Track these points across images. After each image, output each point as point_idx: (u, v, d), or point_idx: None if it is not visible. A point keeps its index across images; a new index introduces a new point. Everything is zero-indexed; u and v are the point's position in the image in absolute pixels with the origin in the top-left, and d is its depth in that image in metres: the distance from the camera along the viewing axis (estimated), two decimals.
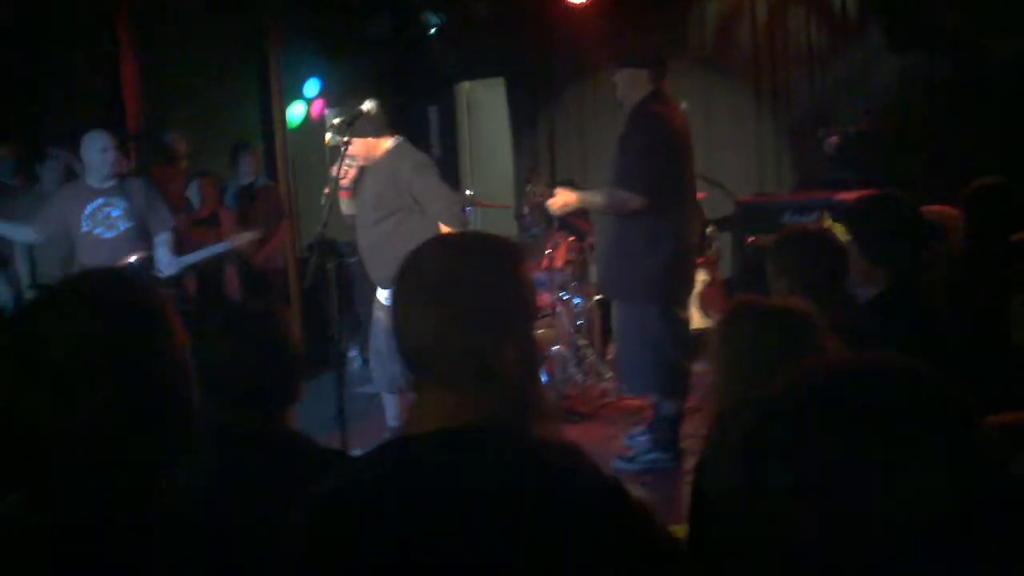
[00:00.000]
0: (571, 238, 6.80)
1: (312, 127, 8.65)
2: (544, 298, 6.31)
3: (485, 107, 10.20)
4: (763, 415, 1.00)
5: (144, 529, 1.40)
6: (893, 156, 7.20)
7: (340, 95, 8.56)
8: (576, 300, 6.75)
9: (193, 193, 7.35)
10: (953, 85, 7.40)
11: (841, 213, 3.33)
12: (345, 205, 5.40)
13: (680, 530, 1.93)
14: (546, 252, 6.65)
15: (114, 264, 5.49)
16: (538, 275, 6.32)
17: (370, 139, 5.13)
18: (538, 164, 9.11)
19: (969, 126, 7.15)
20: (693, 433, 4.99)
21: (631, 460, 5.07)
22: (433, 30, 9.25)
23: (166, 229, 5.79)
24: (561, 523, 1.38)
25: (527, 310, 1.58)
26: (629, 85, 5.02)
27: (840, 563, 0.90)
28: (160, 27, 7.71)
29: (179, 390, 1.43)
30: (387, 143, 5.19)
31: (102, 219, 5.57)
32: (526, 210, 7.25)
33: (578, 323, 6.74)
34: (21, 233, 5.74)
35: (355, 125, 5.10)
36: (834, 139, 7.35)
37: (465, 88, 10.16)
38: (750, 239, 6.90)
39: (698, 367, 5.06)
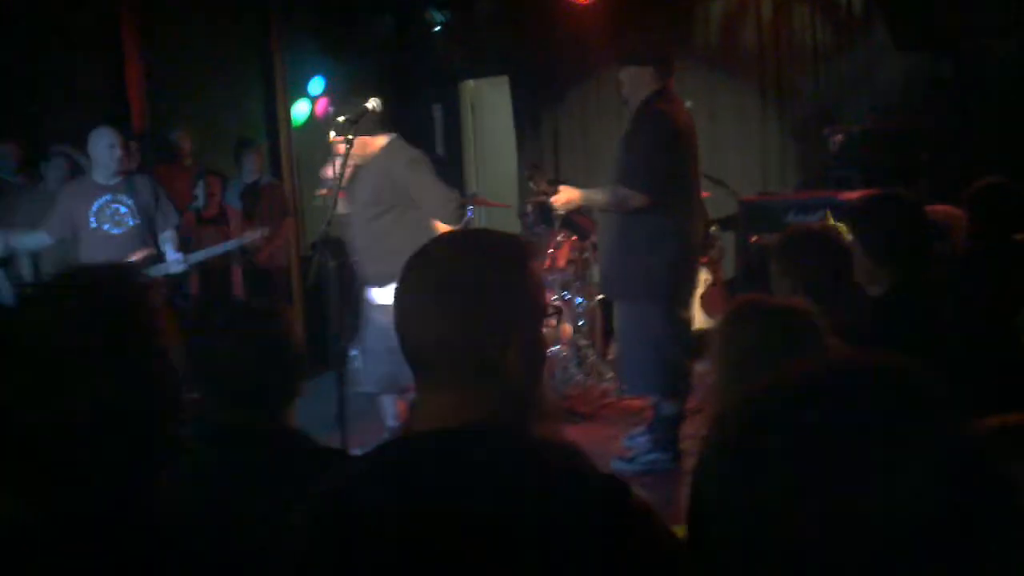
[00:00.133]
0: (574, 237, 6.79)
1: (316, 125, 8.65)
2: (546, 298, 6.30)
3: (489, 106, 10.19)
4: (756, 413, 0.99)
5: (143, 527, 1.40)
6: (897, 155, 7.19)
7: (344, 93, 8.56)
8: (578, 300, 6.74)
9: (199, 191, 7.35)
10: (957, 84, 7.39)
11: (845, 212, 3.32)
12: (340, 205, 5.39)
13: (680, 530, 1.92)
14: (548, 251, 6.65)
15: (121, 260, 5.51)
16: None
17: (364, 137, 5.13)
18: (541, 162, 9.11)
19: (972, 125, 7.14)
20: (694, 434, 4.98)
21: (631, 461, 5.06)
22: (437, 28, 9.25)
23: (171, 226, 5.81)
24: (564, 523, 1.37)
25: (535, 309, 1.57)
26: (634, 83, 5.01)
27: (836, 563, 0.89)
28: (164, 25, 7.72)
29: (168, 387, 1.43)
30: (381, 141, 5.17)
31: (110, 215, 5.57)
32: (529, 208, 7.24)
33: (579, 323, 6.73)
34: (36, 240, 5.70)
35: (359, 123, 5.09)
36: (838, 138, 7.34)
37: (469, 86, 10.16)
38: (753, 238, 6.89)
39: (699, 367, 5.05)
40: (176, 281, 5.93)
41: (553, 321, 6.38)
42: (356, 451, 3.28)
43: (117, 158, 5.61)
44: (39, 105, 7.00)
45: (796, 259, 3.11)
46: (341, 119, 5.18)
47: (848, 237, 3.25)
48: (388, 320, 5.21)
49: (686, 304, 5.23)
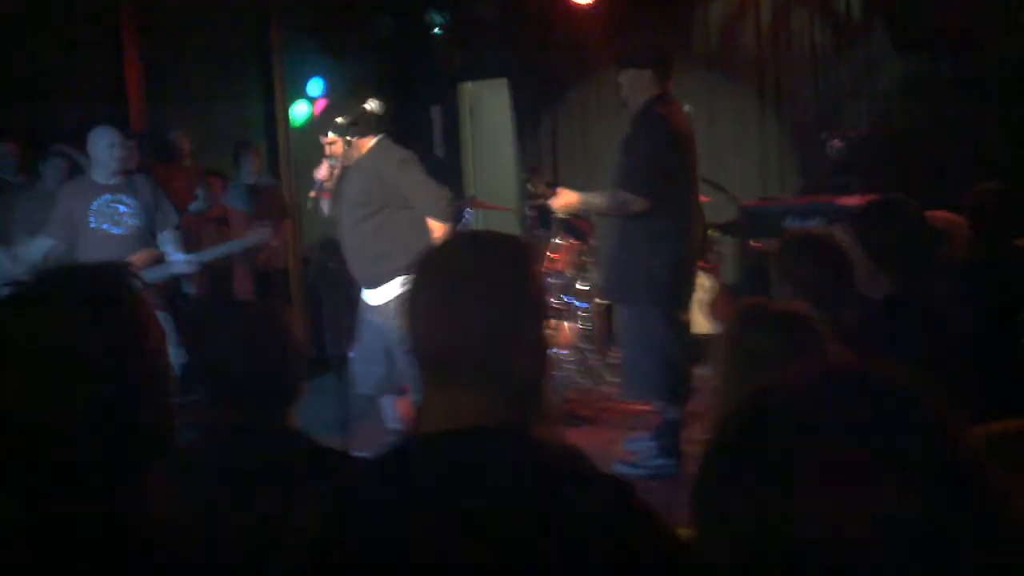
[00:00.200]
0: (573, 240, 6.79)
1: (315, 126, 8.64)
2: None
3: (488, 108, 10.19)
4: (755, 417, 1.00)
5: (137, 527, 1.39)
6: (897, 160, 7.20)
7: (343, 95, 8.56)
8: (579, 303, 6.73)
9: (200, 191, 7.36)
10: (957, 88, 7.39)
11: (846, 217, 3.33)
12: (325, 206, 5.39)
13: (684, 533, 1.92)
14: (548, 254, 6.64)
15: (122, 260, 5.49)
16: None
17: (352, 139, 5.14)
18: (540, 165, 9.10)
19: (973, 129, 7.15)
20: (697, 438, 4.97)
21: (634, 465, 5.05)
22: (436, 30, 9.25)
23: (170, 226, 5.79)
24: (572, 524, 1.37)
25: (540, 310, 1.58)
26: (633, 86, 5.01)
27: (833, 566, 0.90)
28: (163, 25, 7.71)
29: (160, 387, 1.43)
30: (369, 142, 5.19)
31: (110, 215, 5.54)
32: (529, 211, 7.23)
33: (581, 326, 6.73)
34: (41, 247, 5.62)
35: (358, 124, 5.10)
36: (838, 143, 7.35)
37: (468, 88, 10.15)
38: (751, 243, 6.89)
39: (702, 372, 5.05)
40: (177, 282, 5.92)
41: (554, 323, 6.38)
42: (358, 452, 3.27)
43: (117, 157, 5.59)
44: (38, 104, 6.99)
45: (796, 264, 3.11)
46: (340, 120, 5.19)
47: (848, 242, 3.25)
48: (380, 320, 5.22)
49: (685, 307, 5.23)
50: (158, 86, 7.66)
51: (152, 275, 5.62)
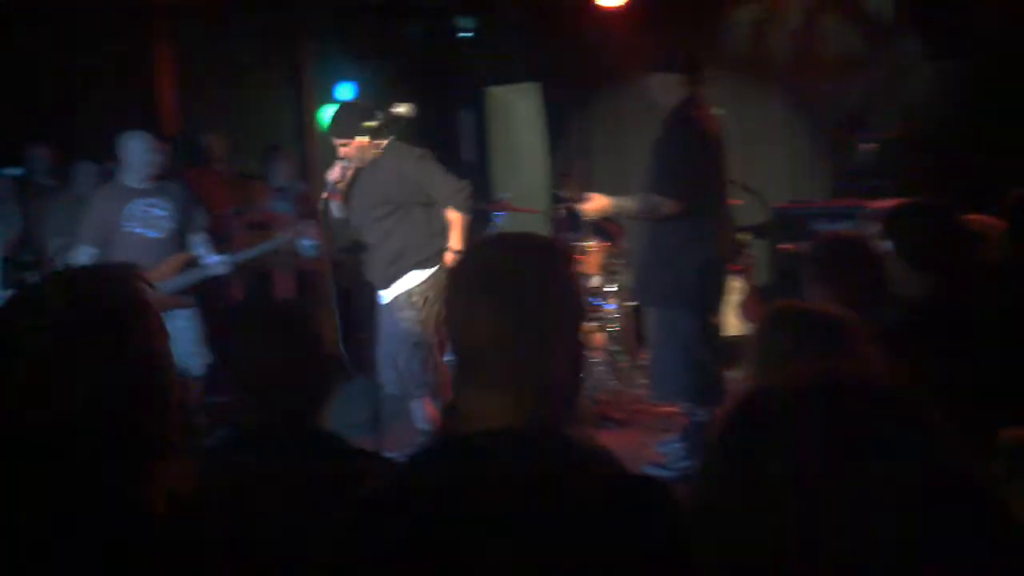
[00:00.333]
0: (604, 243, 6.78)
1: (330, 129, 8.66)
2: None
3: (517, 112, 10.19)
4: (754, 416, 1.01)
5: (140, 524, 1.40)
6: (928, 163, 7.14)
7: (373, 99, 8.58)
8: (609, 306, 6.72)
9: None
10: (988, 91, 7.32)
11: (880, 219, 3.30)
12: (336, 208, 5.42)
13: None
14: (579, 257, 6.64)
15: (157, 263, 5.53)
16: None
17: (365, 140, 5.17)
18: (571, 169, 9.09)
19: (1005, 133, 7.08)
20: None
21: (665, 467, 5.03)
22: (465, 35, 9.26)
23: (200, 229, 5.83)
24: (612, 525, 1.37)
25: (577, 312, 1.58)
26: (664, 90, 5.00)
27: (827, 565, 0.91)
28: (195, 30, 7.76)
29: (160, 387, 1.43)
30: (383, 143, 5.22)
31: (145, 218, 5.57)
32: (559, 214, 7.22)
33: (611, 329, 6.72)
34: (83, 256, 5.62)
35: (389, 128, 5.15)
36: (869, 146, 7.30)
37: (497, 93, 10.15)
38: (782, 246, 6.86)
39: (733, 374, 5.02)
40: (212, 284, 5.93)
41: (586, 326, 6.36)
42: (389, 453, 3.28)
43: (151, 162, 5.62)
44: (71, 109, 7.05)
45: (830, 266, 3.09)
46: (372, 124, 5.21)
47: (882, 244, 3.23)
48: (389, 319, 5.22)
49: (715, 310, 5.21)
50: (189, 90, 7.71)
51: (186, 278, 5.65)
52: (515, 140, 10.22)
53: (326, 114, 8.79)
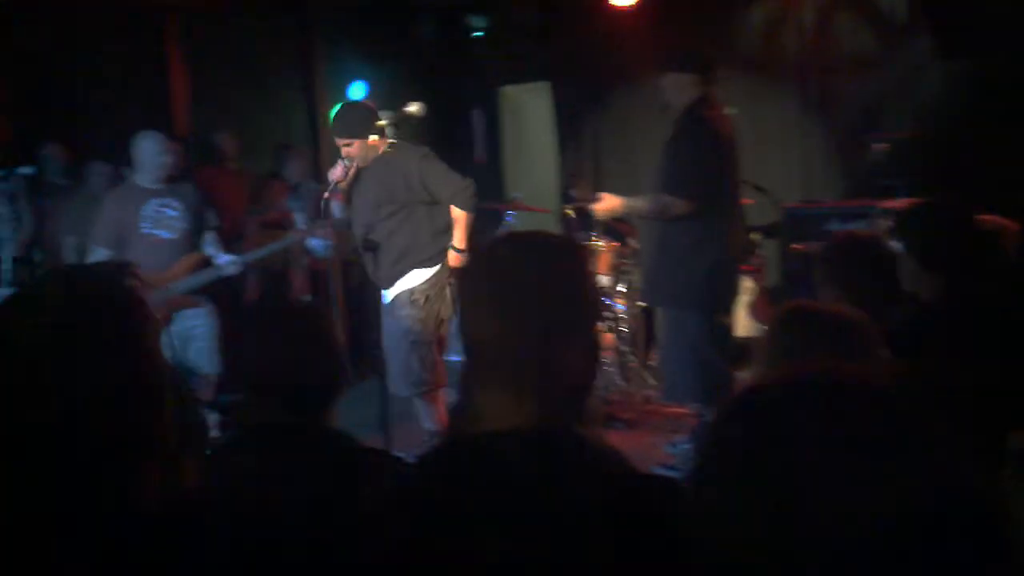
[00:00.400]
0: (614, 243, 6.77)
1: (333, 130, 8.67)
2: None
3: (529, 112, 10.18)
4: (748, 415, 1.01)
5: (136, 524, 1.40)
6: (941, 164, 7.11)
7: (385, 98, 8.59)
8: (620, 306, 6.71)
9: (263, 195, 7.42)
10: (1002, 91, 7.29)
11: (893, 219, 3.30)
12: (337, 208, 5.42)
13: None
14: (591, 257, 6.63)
15: (171, 264, 5.54)
16: None
17: (368, 140, 5.16)
18: (582, 168, 9.08)
19: (1018, 132, 7.04)
20: None
21: (674, 468, 5.03)
22: (477, 34, 9.26)
23: (211, 228, 5.84)
24: (628, 525, 1.36)
25: (591, 311, 1.57)
26: (676, 89, 4.99)
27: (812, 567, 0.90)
28: (207, 29, 7.77)
29: (151, 386, 1.43)
30: (385, 143, 5.23)
31: (158, 219, 5.58)
32: (570, 214, 7.21)
33: (621, 329, 6.71)
34: (99, 256, 5.62)
35: (399, 127, 5.15)
36: (882, 146, 7.27)
37: (509, 92, 10.15)
38: (794, 246, 6.84)
39: (743, 374, 5.01)
40: (228, 283, 5.93)
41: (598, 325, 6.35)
42: (398, 453, 3.27)
43: (164, 164, 5.63)
44: (83, 108, 7.06)
45: (842, 266, 3.08)
46: (375, 124, 5.22)
47: (894, 244, 3.22)
48: (389, 319, 5.23)
49: (726, 310, 5.20)
50: (201, 90, 7.72)
51: (198, 278, 5.66)
52: (527, 140, 10.22)
53: None
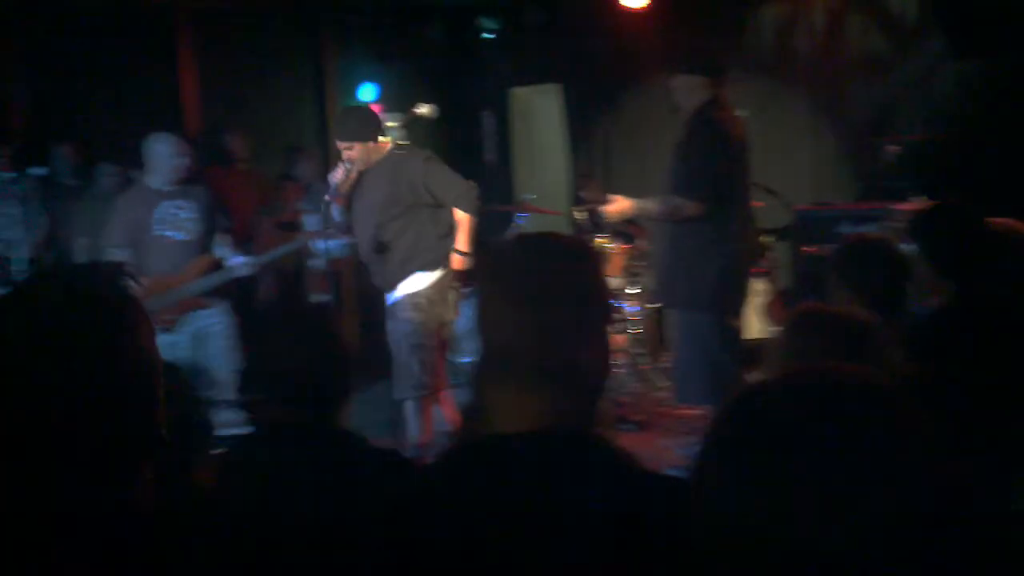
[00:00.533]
0: (625, 245, 6.77)
1: (335, 132, 8.70)
2: None
3: (539, 113, 10.18)
4: (747, 412, 1.02)
5: (129, 524, 1.40)
6: (953, 166, 7.09)
7: (395, 100, 8.60)
8: (631, 308, 6.71)
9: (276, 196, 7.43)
10: (1015, 92, 7.26)
11: (902, 223, 3.29)
12: (337, 212, 5.41)
13: None
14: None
15: (184, 266, 5.55)
16: None
17: (370, 144, 5.15)
18: (591, 170, 9.07)
19: None
20: None
21: (686, 470, 5.01)
22: (488, 36, 9.26)
23: (222, 230, 5.84)
24: (652, 525, 1.36)
25: (605, 312, 1.57)
26: (687, 91, 4.98)
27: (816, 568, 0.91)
28: (218, 30, 7.79)
29: (145, 385, 1.43)
30: (386, 146, 5.23)
31: (173, 221, 5.58)
32: (580, 215, 7.22)
33: (633, 331, 6.71)
34: (114, 257, 5.58)
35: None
36: (894, 148, 7.25)
37: (519, 94, 10.15)
38: (805, 249, 6.83)
39: (754, 377, 5.00)
40: (239, 285, 5.93)
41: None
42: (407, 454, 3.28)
43: (177, 166, 5.62)
44: (93, 108, 7.08)
45: (855, 270, 3.07)
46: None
47: (907, 247, 3.21)
48: (395, 323, 5.20)
49: (737, 313, 5.19)
50: (212, 90, 7.74)
51: (211, 280, 5.66)
52: (537, 141, 10.22)
53: None
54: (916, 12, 7.85)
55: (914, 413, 0.96)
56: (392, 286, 5.21)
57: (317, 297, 7.17)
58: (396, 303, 5.21)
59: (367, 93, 8.90)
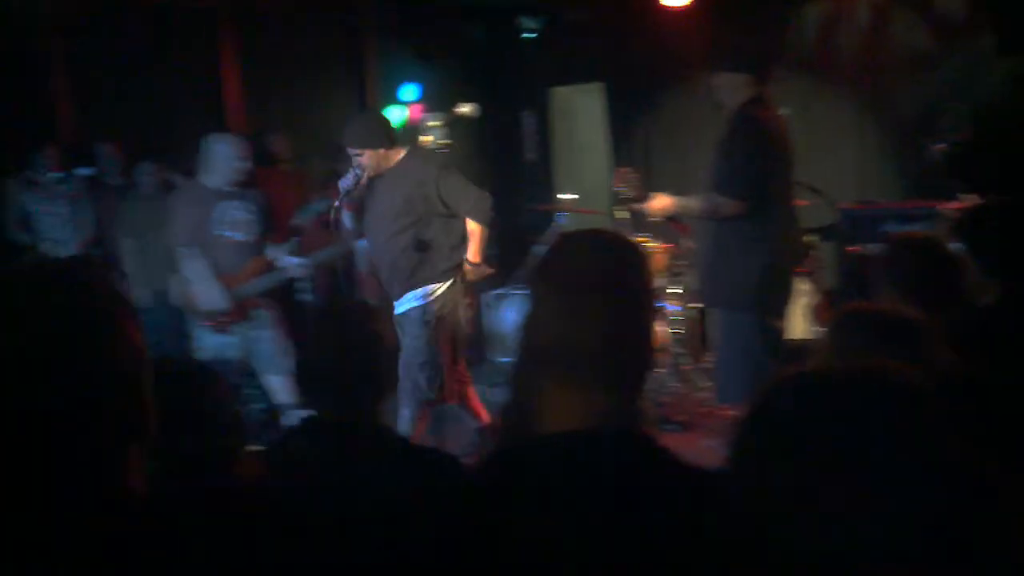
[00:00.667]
0: (668, 245, 6.75)
1: (409, 131, 8.72)
2: None
3: (580, 112, 10.17)
4: (779, 406, 1.03)
5: (125, 508, 1.40)
6: (1001, 164, 6.99)
7: (437, 99, 8.63)
8: (673, 307, 6.68)
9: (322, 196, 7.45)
10: None
11: (953, 221, 3.25)
12: (348, 218, 5.39)
13: None
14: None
15: (241, 266, 5.58)
16: None
17: (380, 151, 5.13)
18: (632, 169, 9.03)
19: None
20: None
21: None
22: (529, 35, 9.26)
23: (274, 231, 5.86)
24: (705, 522, 1.35)
25: (652, 310, 1.57)
26: (729, 89, 4.95)
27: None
28: (261, 31, 7.85)
29: (126, 379, 1.43)
30: (400, 153, 5.19)
31: (232, 221, 5.61)
32: (625, 215, 7.19)
33: (675, 330, 6.68)
34: (187, 255, 5.63)
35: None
36: (940, 146, 7.17)
37: (560, 93, 10.14)
38: (850, 248, 6.76)
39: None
40: (296, 284, 5.94)
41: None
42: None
43: (237, 168, 5.64)
44: (137, 108, 7.14)
45: (903, 268, 3.04)
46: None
47: (955, 247, 3.17)
48: (405, 337, 5.14)
49: (780, 313, 5.14)
50: (255, 92, 7.79)
51: (267, 280, 5.68)
52: (578, 140, 10.20)
53: (391, 115, 8.85)
54: (963, 8, 7.75)
55: (951, 412, 0.95)
56: (401, 294, 5.18)
57: (367, 298, 7.20)
58: (406, 315, 5.16)
59: (408, 93, 8.93)
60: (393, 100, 8.90)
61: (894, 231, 6.14)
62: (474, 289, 5.26)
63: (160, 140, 6.99)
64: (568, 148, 10.23)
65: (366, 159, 5.12)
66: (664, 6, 7.97)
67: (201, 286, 5.51)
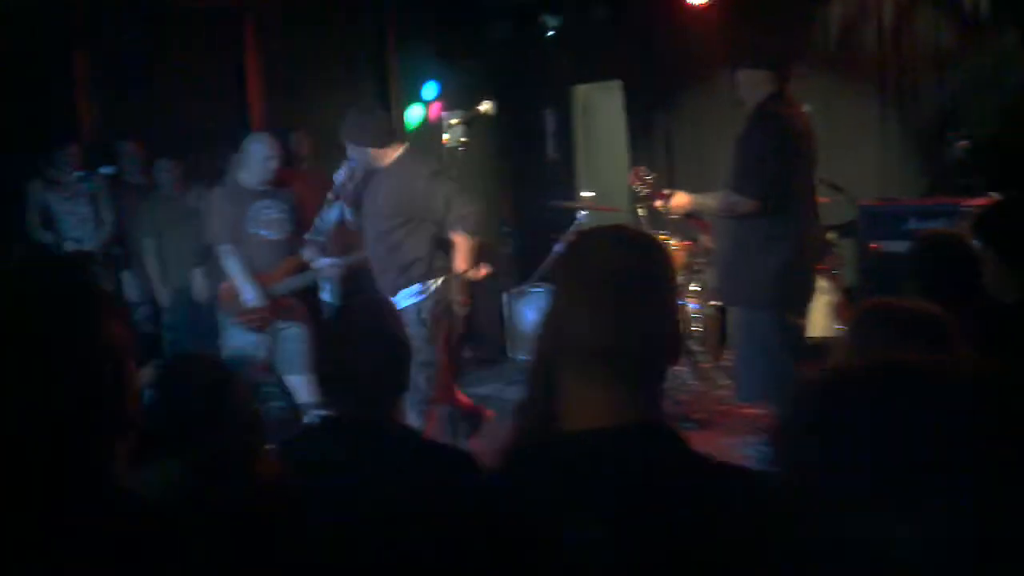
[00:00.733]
0: (687, 242, 6.73)
1: (430, 129, 8.73)
2: None
3: (601, 110, 10.15)
4: (820, 400, 1.01)
5: (114, 499, 1.40)
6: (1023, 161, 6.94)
7: (457, 97, 8.63)
8: (692, 305, 6.66)
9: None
10: None
11: (977, 218, 3.23)
12: (349, 212, 5.38)
13: None
14: None
15: (276, 265, 5.59)
16: None
17: (371, 149, 5.12)
18: (651, 167, 9.01)
19: None
20: None
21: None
22: (550, 33, 9.25)
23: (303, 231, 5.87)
24: (734, 517, 1.35)
25: (675, 304, 1.56)
26: (750, 86, 4.92)
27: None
28: (282, 30, 7.86)
29: (109, 373, 1.43)
30: (396, 152, 5.17)
31: (266, 220, 5.63)
32: (645, 212, 7.18)
33: (694, 328, 6.66)
34: (227, 253, 5.67)
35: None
36: (963, 144, 7.12)
37: (581, 91, 10.13)
38: (872, 245, 6.72)
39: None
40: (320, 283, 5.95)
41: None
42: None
43: (271, 169, 5.66)
44: (159, 107, 7.16)
45: (927, 264, 3.03)
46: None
47: (976, 243, 3.15)
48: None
49: (800, 311, 5.11)
50: (277, 91, 7.81)
51: (300, 280, 5.69)
52: (599, 138, 10.19)
53: (411, 114, 8.86)
54: (987, 5, 7.69)
55: (982, 405, 0.94)
56: (394, 292, 5.15)
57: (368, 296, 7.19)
58: (401, 312, 5.14)
59: (429, 91, 8.94)
60: (415, 99, 8.91)
61: (916, 228, 6.11)
62: (471, 288, 5.23)
63: (182, 139, 7.02)
64: (590, 146, 10.21)
65: (356, 155, 5.14)
66: (685, 4, 7.96)
67: (239, 284, 5.55)
